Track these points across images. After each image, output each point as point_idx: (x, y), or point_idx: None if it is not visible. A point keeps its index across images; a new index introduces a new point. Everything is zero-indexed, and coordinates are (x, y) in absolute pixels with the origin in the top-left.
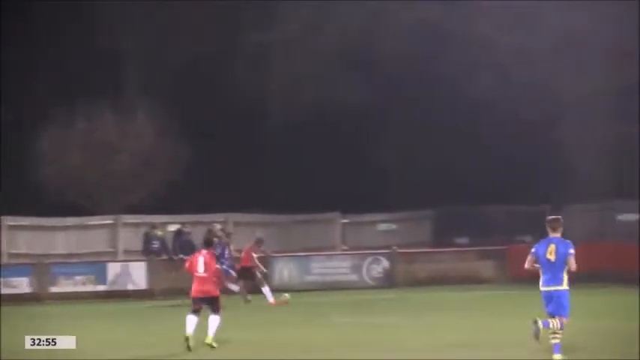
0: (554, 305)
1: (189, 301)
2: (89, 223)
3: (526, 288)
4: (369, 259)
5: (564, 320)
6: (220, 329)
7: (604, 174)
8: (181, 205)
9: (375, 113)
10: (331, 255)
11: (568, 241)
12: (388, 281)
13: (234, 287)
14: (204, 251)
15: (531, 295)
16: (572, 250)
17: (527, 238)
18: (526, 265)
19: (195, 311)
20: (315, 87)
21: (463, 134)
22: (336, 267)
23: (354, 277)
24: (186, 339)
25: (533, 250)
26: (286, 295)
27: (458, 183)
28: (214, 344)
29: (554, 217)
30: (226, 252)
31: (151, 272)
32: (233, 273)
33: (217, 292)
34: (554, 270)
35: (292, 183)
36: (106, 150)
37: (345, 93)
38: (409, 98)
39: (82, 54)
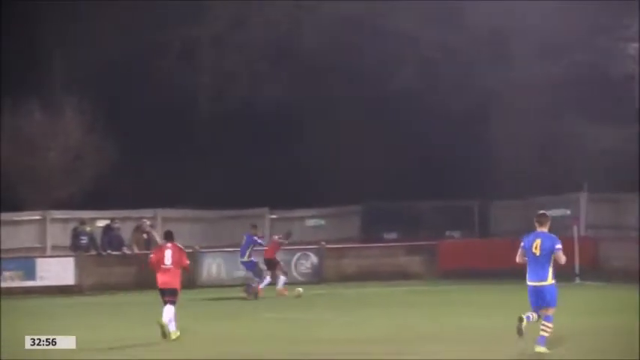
0: (539, 300)
1: (118, 296)
2: (17, 218)
3: (455, 283)
4: (298, 254)
5: (551, 312)
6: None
7: (532, 169)
8: (110, 201)
9: (303, 108)
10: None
11: (554, 236)
12: (317, 277)
13: (265, 283)
14: (169, 244)
15: (460, 291)
16: (558, 245)
17: (456, 234)
18: (517, 259)
19: (166, 302)
20: (243, 82)
21: (390, 129)
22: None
23: None
24: (161, 326)
25: (522, 243)
26: (299, 289)
27: (386, 178)
28: (177, 333)
29: (541, 212)
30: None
31: (80, 268)
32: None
33: (178, 285)
34: (538, 264)
35: (221, 179)
36: (33, 146)
37: (272, 88)
38: (336, 93)
39: (8, 50)
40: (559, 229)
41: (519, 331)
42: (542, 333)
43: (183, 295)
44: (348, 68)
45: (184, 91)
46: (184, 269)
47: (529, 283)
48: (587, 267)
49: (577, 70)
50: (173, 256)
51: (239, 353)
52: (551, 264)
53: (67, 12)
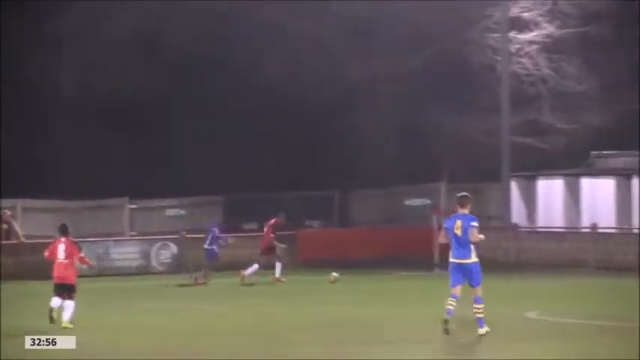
0: (465, 276)
1: None
2: None
3: (315, 273)
4: (158, 244)
5: (479, 292)
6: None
7: (393, 159)
8: None
9: (166, 99)
10: (120, 240)
11: (471, 215)
12: (177, 267)
13: (252, 269)
14: (63, 239)
15: (320, 281)
16: (473, 223)
17: (316, 224)
18: (440, 240)
19: (59, 295)
20: (108, 73)
21: (253, 120)
22: (124, 252)
23: (142, 263)
24: (50, 310)
25: (444, 225)
26: (334, 274)
27: (246, 168)
28: (70, 325)
29: (462, 194)
30: (217, 234)
31: None
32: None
33: (74, 280)
34: (461, 244)
35: (82, 168)
36: None
37: (137, 79)
38: (201, 84)
39: None
40: (419, 218)
41: (446, 332)
42: (478, 316)
43: (45, 287)
44: (215, 60)
45: (51, 81)
46: (73, 261)
47: (453, 260)
48: (447, 257)
49: (438, 61)
50: (66, 251)
51: (98, 342)
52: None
53: None
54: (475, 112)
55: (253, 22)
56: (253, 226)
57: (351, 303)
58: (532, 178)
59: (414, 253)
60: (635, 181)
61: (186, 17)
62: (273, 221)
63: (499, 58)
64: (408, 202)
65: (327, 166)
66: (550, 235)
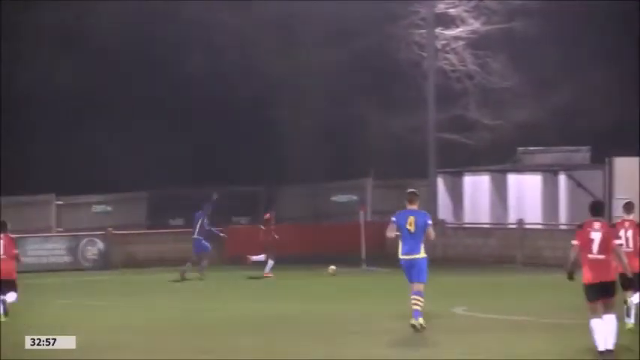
0: (416, 272)
1: None
2: None
3: (242, 269)
4: (84, 240)
5: (422, 287)
6: None
7: (320, 155)
8: None
9: (90, 93)
10: (46, 237)
11: (425, 212)
12: (104, 263)
13: (258, 257)
14: (2, 235)
15: (247, 276)
16: (429, 221)
17: (244, 220)
18: (388, 234)
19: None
20: (31, 67)
21: (178, 116)
22: (51, 249)
23: (69, 259)
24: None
25: (393, 219)
26: (332, 267)
27: (171, 164)
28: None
29: (411, 190)
30: (205, 223)
31: None
32: (208, 246)
33: (14, 275)
34: (414, 240)
35: (8, 165)
36: None
37: (61, 74)
38: (125, 79)
39: None
40: (346, 214)
41: (416, 330)
42: (415, 308)
43: None
44: (137, 55)
45: None
46: (12, 257)
47: (403, 257)
48: (373, 253)
49: (364, 56)
50: (5, 247)
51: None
52: (424, 239)
53: None
54: (401, 108)
55: (175, 17)
56: (179, 222)
57: (277, 299)
58: (458, 175)
59: (342, 250)
60: (561, 177)
61: (108, 13)
62: (267, 216)
63: (425, 54)
64: (334, 199)
65: (253, 162)
66: (477, 231)
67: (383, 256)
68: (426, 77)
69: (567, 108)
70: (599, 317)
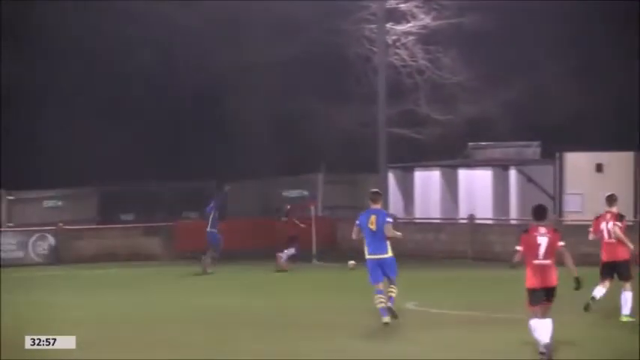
0: (385, 271)
1: None
2: None
3: (192, 263)
4: (35, 235)
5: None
6: None
7: (270, 150)
8: None
9: (39, 88)
10: None
11: (385, 211)
12: (54, 258)
13: (290, 252)
14: None
15: (197, 271)
16: (389, 219)
17: (193, 215)
18: (353, 236)
19: None
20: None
21: (126, 110)
22: (2, 244)
23: (20, 254)
24: None
25: (357, 222)
26: (352, 262)
27: (122, 159)
28: None
29: (375, 190)
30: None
31: None
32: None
33: None
34: (377, 239)
35: None
36: None
37: (7, 65)
38: (71, 73)
39: None
40: (297, 210)
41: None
42: (390, 294)
43: None
44: (85, 49)
45: None
46: None
47: (370, 257)
48: (325, 248)
49: (315, 51)
50: None
51: None
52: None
53: None
54: (352, 102)
55: (122, 11)
56: (130, 217)
57: (226, 294)
58: (409, 170)
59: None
60: (512, 172)
61: (54, 4)
62: (288, 207)
63: (376, 49)
64: (285, 194)
65: (203, 156)
66: (427, 227)
67: (334, 250)
68: (377, 72)
69: (518, 103)
70: (539, 318)
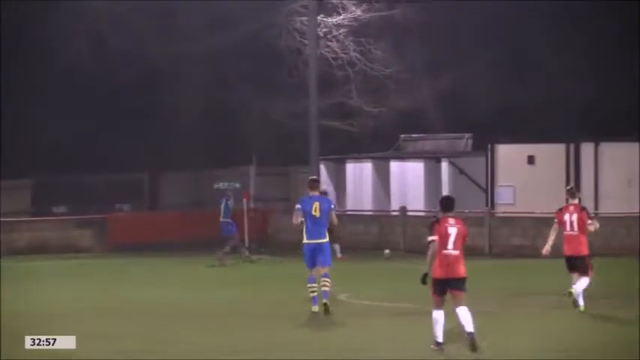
0: (322, 256)
1: None
2: None
3: (125, 256)
4: None
5: (327, 270)
6: None
7: (202, 142)
8: None
9: None
10: None
11: (328, 198)
12: None
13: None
14: None
15: (130, 264)
16: (332, 206)
17: (126, 207)
18: (294, 221)
19: None
20: None
21: (57, 100)
22: None
23: None
24: None
25: (298, 206)
26: (387, 251)
27: (55, 151)
28: None
29: (313, 177)
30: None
31: None
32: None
33: None
34: (319, 225)
35: None
36: None
37: None
38: (9, 66)
39: None
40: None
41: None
42: (324, 289)
43: None
44: (16, 38)
45: None
46: None
47: (309, 241)
48: (256, 240)
49: (245, 42)
50: None
51: None
52: (328, 224)
53: None
54: (283, 94)
55: (54, 2)
56: (63, 209)
57: (160, 286)
58: (341, 162)
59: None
60: (444, 164)
61: None
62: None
63: (306, 41)
64: (217, 186)
65: (135, 148)
66: (359, 219)
67: (265, 243)
68: (308, 64)
69: (449, 95)
70: (441, 310)
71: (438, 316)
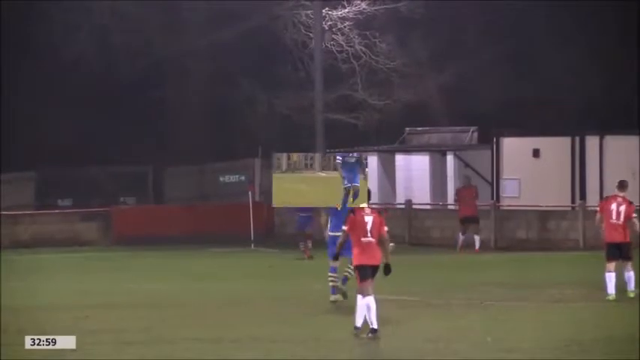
0: (346, 247)
1: None
2: None
3: (129, 249)
4: None
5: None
6: None
7: (207, 136)
8: None
9: None
10: None
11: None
12: None
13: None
14: None
15: (135, 257)
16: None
17: (130, 200)
18: (322, 221)
19: None
20: None
21: (62, 94)
22: None
23: None
24: None
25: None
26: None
27: (59, 144)
28: None
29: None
30: None
31: None
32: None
33: None
34: (340, 218)
35: None
36: None
37: None
38: (6, 57)
39: None
40: (234, 195)
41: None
42: (332, 284)
43: None
44: (21, 35)
45: None
46: None
47: (332, 233)
48: (261, 233)
49: (251, 36)
50: None
51: None
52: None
53: None
54: (288, 88)
55: None
56: (68, 202)
57: (170, 279)
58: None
59: (231, 230)
60: (449, 157)
61: None
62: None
63: (312, 34)
64: (222, 179)
65: (140, 141)
66: None
67: (270, 236)
68: (313, 57)
69: (454, 88)
70: (370, 295)
71: (367, 300)
